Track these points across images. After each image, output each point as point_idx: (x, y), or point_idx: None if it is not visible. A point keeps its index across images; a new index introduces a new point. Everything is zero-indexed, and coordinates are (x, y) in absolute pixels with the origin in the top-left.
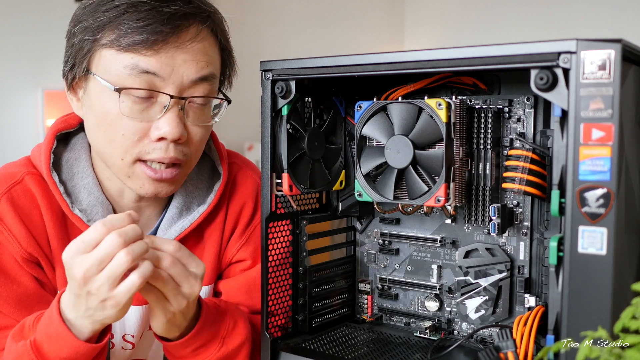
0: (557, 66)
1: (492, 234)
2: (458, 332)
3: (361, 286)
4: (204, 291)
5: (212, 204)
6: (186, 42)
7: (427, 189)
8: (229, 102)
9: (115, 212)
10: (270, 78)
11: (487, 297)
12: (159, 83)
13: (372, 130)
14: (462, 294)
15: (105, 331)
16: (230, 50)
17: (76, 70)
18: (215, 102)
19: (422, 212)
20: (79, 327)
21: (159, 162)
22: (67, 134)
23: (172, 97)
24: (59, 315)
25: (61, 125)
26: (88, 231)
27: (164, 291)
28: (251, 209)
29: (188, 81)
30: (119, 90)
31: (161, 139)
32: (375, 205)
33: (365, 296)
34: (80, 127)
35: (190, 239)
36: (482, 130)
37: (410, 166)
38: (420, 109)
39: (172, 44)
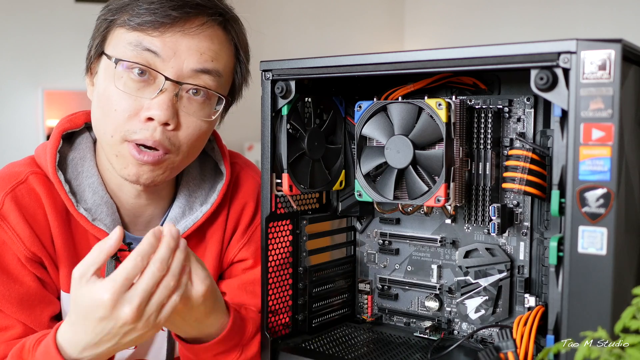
0: (557, 66)
1: (492, 234)
2: (458, 332)
3: (361, 286)
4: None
5: (214, 204)
6: (192, 29)
7: (427, 189)
8: (227, 101)
9: (119, 211)
10: (270, 78)
11: (487, 297)
12: (159, 64)
13: (372, 130)
14: (462, 294)
15: None
16: (246, 61)
17: (92, 50)
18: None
19: (422, 212)
20: (74, 358)
21: (144, 146)
22: (72, 134)
23: (167, 78)
24: (55, 347)
25: (67, 125)
26: (125, 266)
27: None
28: (252, 209)
29: (188, 69)
30: (116, 61)
31: (149, 119)
32: (375, 205)
33: (365, 296)
34: (85, 127)
35: (193, 239)
36: (482, 130)
37: (410, 166)
38: (420, 109)
39: (177, 28)
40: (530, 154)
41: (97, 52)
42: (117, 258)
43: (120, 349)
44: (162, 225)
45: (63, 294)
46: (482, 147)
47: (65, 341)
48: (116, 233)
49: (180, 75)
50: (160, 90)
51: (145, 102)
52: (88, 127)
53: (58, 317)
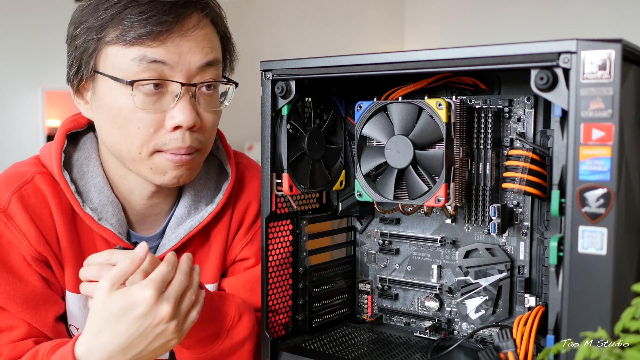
0: (557, 66)
1: (492, 234)
2: (458, 332)
3: (361, 286)
4: (209, 289)
5: (220, 204)
6: (190, 29)
7: (427, 189)
8: (237, 85)
9: (125, 211)
10: (270, 78)
11: (487, 297)
12: (168, 72)
13: (372, 130)
14: (462, 294)
15: None
16: (229, 36)
17: (83, 71)
18: (222, 88)
19: (422, 212)
20: None
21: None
22: (76, 134)
23: (182, 84)
24: (72, 357)
25: (71, 125)
26: (161, 270)
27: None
28: (256, 209)
29: (195, 68)
30: (131, 83)
31: (176, 127)
32: (375, 205)
33: (365, 296)
34: (89, 127)
35: (197, 238)
36: (482, 130)
37: (410, 166)
38: (420, 109)
39: (176, 32)
40: (530, 154)
41: (89, 73)
42: None
43: (146, 358)
44: (167, 224)
45: (68, 293)
46: (482, 147)
47: (86, 352)
48: (144, 247)
49: (189, 75)
50: (177, 97)
51: (166, 112)
52: (92, 127)
53: (63, 317)
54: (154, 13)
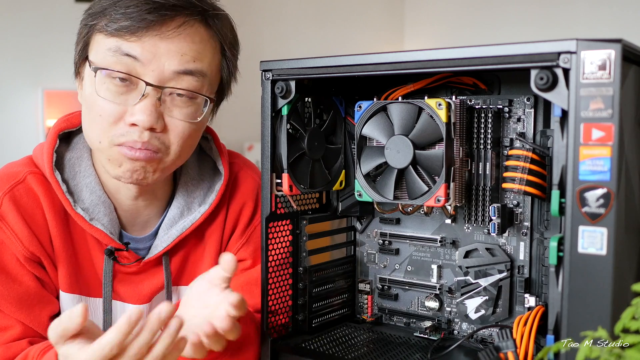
0: (557, 66)
1: (492, 234)
2: (458, 332)
3: (361, 286)
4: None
5: (213, 204)
6: (169, 31)
7: (427, 189)
8: (212, 100)
9: (116, 211)
10: (270, 78)
11: (487, 297)
12: (139, 69)
13: (372, 130)
14: (462, 294)
15: None
16: (233, 57)
17: (77, 54)
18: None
19: (422, 212)
20: None
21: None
22: (69, 133)
23: (147, 84)
24: None
25: (63, 125)
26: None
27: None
28: (251, 209)
29: (169, 72)
30: (95, 70)
31: (134, 124)
32: (375, 205)
33: (365, 296)
34: (82, 127)
35: (191, 239)
36: (482, 130)
37: (410, 166)
38: (420, 109)
39: (154, 31)
40: (530, 154)
41: (81, 57)
42: (114, 258)
43: None
44: (160, 225)
45: (62, 293)
46: (482, 147)
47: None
48: (79, 310)
49: (162, 78)
50: (143, 95)
51: (129, 106)
52: None
53: (57, 317)
54: (139, 10)
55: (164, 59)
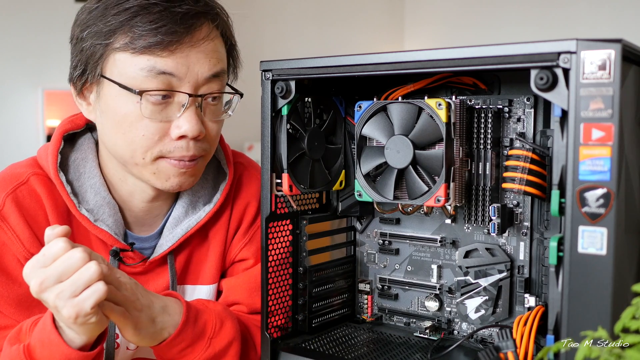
0: (557, 66)
1: (492, 234)
2: (458, 332)
3: (361, 286)
4: (208, 290)
5: (218, 204)
6: (200, 40)
7: (427, 189)
8: (241, 95)
9: (122, 212)
10: (270, 78)
11: (487, 297)
12: (175, 82)
13: (372, 130)
14: (462, 294)
15: (99, 339)
16: (235, 43)
17: (88, 75)
18: (226, 97)
19: (422, 212)
20: (69, 334)
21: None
22: (74, 135)
23: (190, 95)
24: (52, 321)
25: (68, 126)
26: (50, 246)
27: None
28: (255, 209)
29: (202, 79)
30: (140, 93)
31: (181, 137)
32: (375, 205)
33: (365, 296)
34: (86, 128)
35: (196, 238)
36: (482, 130)
37: (410, 166)
38: (420, 109)
39: (186, 43)
40: (530, 154)
41: (95, 78)
42: (120, 259)
43: (80, 332)
44: (165, 224)
45: None
46: (482, 147)
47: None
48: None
49: (197, 86)
50: (184, 107)
51: (171, 121)
52: (89, 128)
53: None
54: (165, 22)
55: (196, 68)
